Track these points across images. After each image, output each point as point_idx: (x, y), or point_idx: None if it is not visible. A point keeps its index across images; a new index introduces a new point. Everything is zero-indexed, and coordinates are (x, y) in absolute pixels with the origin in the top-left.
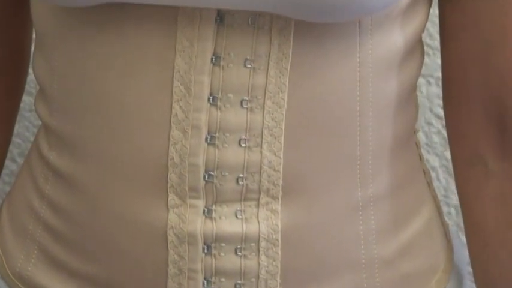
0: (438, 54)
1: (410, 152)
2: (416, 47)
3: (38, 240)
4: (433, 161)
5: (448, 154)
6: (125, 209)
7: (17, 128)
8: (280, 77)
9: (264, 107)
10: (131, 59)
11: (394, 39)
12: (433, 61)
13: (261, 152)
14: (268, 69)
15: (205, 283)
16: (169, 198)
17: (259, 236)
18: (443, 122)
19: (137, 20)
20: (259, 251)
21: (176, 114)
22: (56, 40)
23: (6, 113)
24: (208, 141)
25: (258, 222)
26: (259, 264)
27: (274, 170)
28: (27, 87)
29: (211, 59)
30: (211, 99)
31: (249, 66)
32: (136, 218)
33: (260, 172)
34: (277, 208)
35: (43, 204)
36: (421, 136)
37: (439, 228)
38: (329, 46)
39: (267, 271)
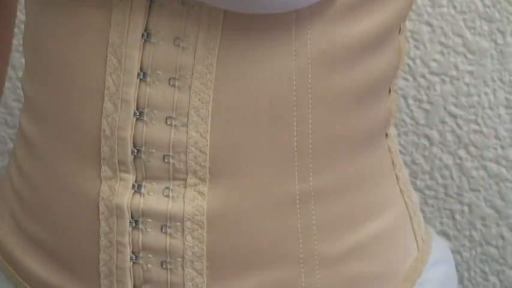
0: (452, 53)
1: (373, 154)
2: (382, 44)
3: (9, 205)
4: (446, 159)
5: (461, 152)
6: (66, 176)
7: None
8: (208, 58)
9: (191, 87)
10: (73, 30)
11: (341, 32)
12: (447, 59)
13: (187, 132)
14: (196, 49)
15: (134, 258)
16: (102, 170)
17: (183, 215)
18: (457, 120)
19: None
20: (184, 231)
21: (109, 87)
22: (27, 9)
23: None
24: (137, 117)
25: (184, 202)
26: (184, 244)
27: (201, 151)
28: None
29: (143, 34)
30: (141, 75)
31: (178, 45)
32: (74, 186)
33: (186, 152)
34: (204, 190)
35: (15, 169)
36: (434, 134)
37: (405, 236)
38: (261, 31)
39: (192, 252)
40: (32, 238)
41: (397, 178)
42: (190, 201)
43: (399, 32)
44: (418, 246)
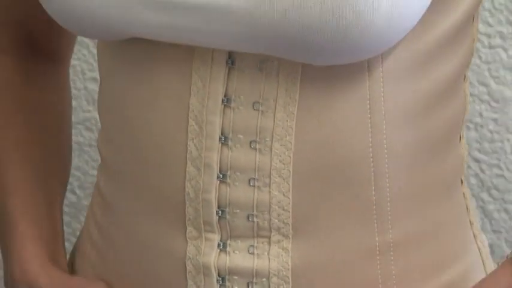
0: (478, 101)
1: (450, 202)
2: (451, 92)
3: (91, 262)
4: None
5: (484, 196)
6: (151, 237)
7: (77, 161)
8: (287, 121)
9: (271, 149)
10: (152, 96)
11: (412, 87)
12: (473, 107)
13: (269, 192)
14: (275, 112)
15: None
16: (187, 231)
17: (269, 272)
18: (481, 165)
19: (157, 59)
20: (269, 286)
21: (191, 152)
22: (102, 73)
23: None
24: (221, 179)
25: (269, 258)
26: None
27: (284, 209)
28: (87, 123)
29: (222, 100)
30: (222, 139)
31: (257, 109)
32: (160, 248)
33: (270, 211)
34: (288, 246)
35: (95, 227)
36: None
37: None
38: (336, 91)
39: None
40: None
41: (470, 223)
42: (275, 257)
43: (464, 80)
44: None
